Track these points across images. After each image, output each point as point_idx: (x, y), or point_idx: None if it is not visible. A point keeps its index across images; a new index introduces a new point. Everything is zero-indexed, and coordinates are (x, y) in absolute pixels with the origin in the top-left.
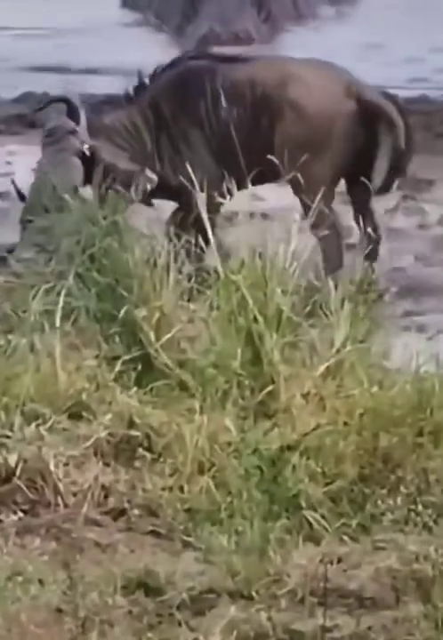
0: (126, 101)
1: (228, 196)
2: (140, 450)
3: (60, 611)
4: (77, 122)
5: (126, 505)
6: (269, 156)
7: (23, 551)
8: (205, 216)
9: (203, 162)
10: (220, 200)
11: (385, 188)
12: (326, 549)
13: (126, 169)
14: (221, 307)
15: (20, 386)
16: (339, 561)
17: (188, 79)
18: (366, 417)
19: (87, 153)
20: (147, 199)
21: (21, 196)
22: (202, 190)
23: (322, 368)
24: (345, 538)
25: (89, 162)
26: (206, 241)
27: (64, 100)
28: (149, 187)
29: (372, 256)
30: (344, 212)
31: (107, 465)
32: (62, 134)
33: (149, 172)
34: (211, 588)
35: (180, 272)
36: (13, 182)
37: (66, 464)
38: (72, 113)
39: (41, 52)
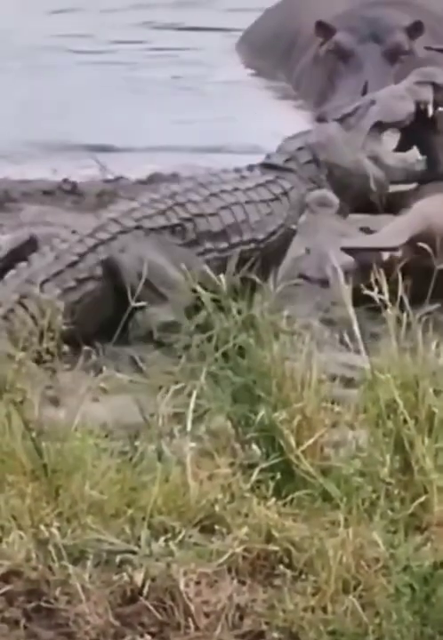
0: None
1: None
2: (280, 567)
3: None
4: None
5: (264, 627)
6: None
7: None
8: (349, 307)
9: None
10: None
11: None
12: None
13: None
14: (368, 409)
15: (147, 496)
16: None
17: None
18: None
19: None
20: None
21: None
22: None
23: None
24: None
25: None
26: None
27: None
28: None
29: None
30: None
31: (242, 583)
32: None
33: None
34: None
35: (323, 371)
36: None
37: (197, 582)
38: None
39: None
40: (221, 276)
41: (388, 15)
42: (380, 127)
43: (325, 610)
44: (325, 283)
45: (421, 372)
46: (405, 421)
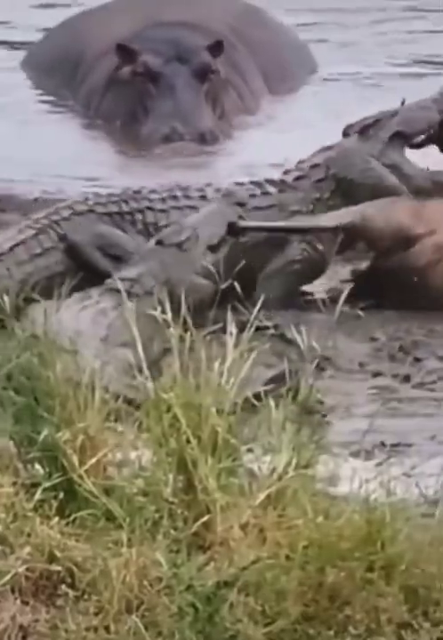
0: None
1: None
2: (63, 586)
3: None
4: None
5: None
6: None
7: None
8: (135, 332)
9: None
10: None
11: None
12: None
13: None
14: (151, 428)
15: None
16: None
17: None
18: (311, 550)
19: None
20: None
21: None
22: None
23: (262, 496)
24: None
25: None
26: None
27: None
28: None
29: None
30: None
31: (25, 603)
32: None
33: None
34: None
35: (106, 391)
36: None
37: None
38: None
39: None
40: (5, 296)
41: (187, 36)
42: (401, 137)
43: (108, 629)
44: (178, 246)
45: (204, 392)
46: (188, 441)
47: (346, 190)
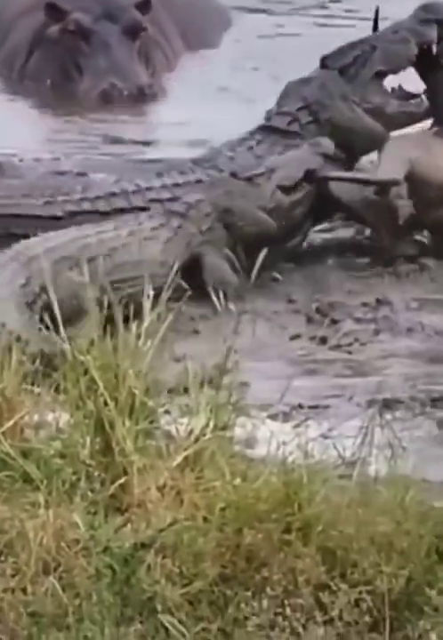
0: None
1: None
2: None
3: None
4: None
5: None
6: None
7: None
8: (51, 294)
9: None
10: None
11: None
12: None
13: None
14: (68, 390)
15: None
16: None
17: None
18: (228, 512)
19: None
20: None
21: None
22: None
23: (179, 458)
24: None
25: None
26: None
27: None
28: None
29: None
30: None
31: None
32: None
33: None
34: None
35: (23, 353)
36: None
37: None
38: None
39: None
40: None
41: None
42: (381, 75)
43: (25, 591)
44: (249, 180)
45: (121, 354)
46: (105, 403)
47: (340, 138)
